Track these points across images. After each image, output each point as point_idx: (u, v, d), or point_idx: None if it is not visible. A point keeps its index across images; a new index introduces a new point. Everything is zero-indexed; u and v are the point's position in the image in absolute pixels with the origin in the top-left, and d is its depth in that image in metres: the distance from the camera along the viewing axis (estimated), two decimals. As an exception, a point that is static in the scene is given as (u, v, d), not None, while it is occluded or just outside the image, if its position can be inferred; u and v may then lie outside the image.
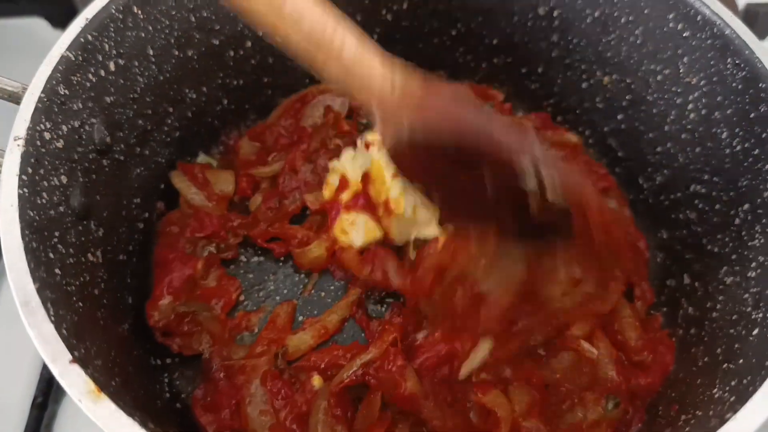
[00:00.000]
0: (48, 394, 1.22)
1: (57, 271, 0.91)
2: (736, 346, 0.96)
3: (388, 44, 1.43)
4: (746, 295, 1.00)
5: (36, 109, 0.95)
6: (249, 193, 1.34)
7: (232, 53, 1.32)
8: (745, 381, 0.84)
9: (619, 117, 1.34)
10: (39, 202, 0.93)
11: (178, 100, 1.27)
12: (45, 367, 1.23)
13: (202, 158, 1.37)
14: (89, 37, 1.04)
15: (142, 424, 0.76)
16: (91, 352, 0.87)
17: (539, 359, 1.10)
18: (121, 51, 1.11)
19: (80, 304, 0.94)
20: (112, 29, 1.08)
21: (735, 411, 0.77)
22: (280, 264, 1.29)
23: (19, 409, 1.20)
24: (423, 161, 0.90)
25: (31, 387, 1.23)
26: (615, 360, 1.09)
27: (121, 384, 0.89)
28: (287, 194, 1.31)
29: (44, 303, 0.82)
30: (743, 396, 0.79)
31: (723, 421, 0.77)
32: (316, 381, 1.09)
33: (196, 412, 1.10)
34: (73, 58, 1.02)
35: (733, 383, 0.87)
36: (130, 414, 0.76)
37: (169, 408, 1.10)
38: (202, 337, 1.16)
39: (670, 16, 1.16)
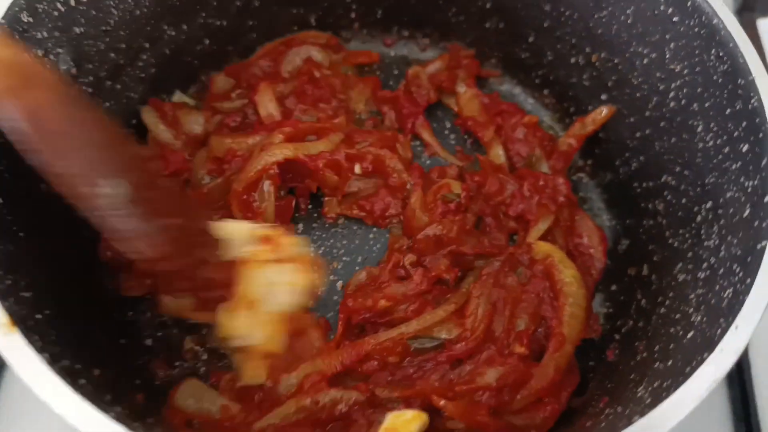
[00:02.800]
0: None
1: (-1, 199, 0.92)
2: (671, 346, 0.94)
3: (377, -2, 1.42)
4: (692, 296, 0.98)
5: (-6, 34, 0.95)
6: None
7: (215, -7, 1.30)
8: (665, 384, 0.83)
9: (603, 97, 1.30)
10: (-11, 129, 0.93)
11: (155, 37, 1.25)
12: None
13: (178, 96, 1.36)
14: (58, -35, 1.03)
15: (54, 360, 0.77)
16: (20, 284, 0.87)
17: None
18: (95, -18, 1.09)
19: (22, 233, 0.95)
20: (84, -42, 1.07)
21: (642, 414, 0.76)
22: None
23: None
24: None
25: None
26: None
27: (50, 317, 0.90)
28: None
29: (-28, 233, 0.83)
30: (655, 401, 0.78)
31: (629, 423, 0.76)
32: None
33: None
34: (40, -14, 1.01)
35: (655, 384, 0.86)
36: (42, 350, 0.77)
37: (112, 342, 1.12)
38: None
39: (662, -3, 1.11)
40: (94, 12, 1.11)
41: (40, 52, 1.02)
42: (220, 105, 1.33)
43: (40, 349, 0.77)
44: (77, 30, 1.09)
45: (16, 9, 0.97)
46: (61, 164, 0.80)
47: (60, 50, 1.06)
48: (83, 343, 0.98)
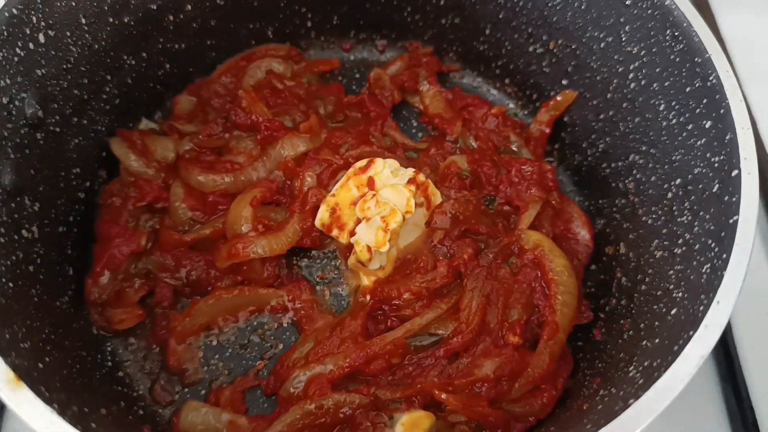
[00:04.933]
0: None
1: (-18, 256, 0.92)
2: (656, 323, 0.98)
3: (333, 3, 1.43)
4: (671, 272, 1.01)
5: (-43, 91, 0.95)
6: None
7: (171, 17, 1.29)
8: (654, 363, 0.86)
9: (564, 82, 1.34)
10: (-37, 188, 0.93)
11: (115, 68, 1.25)
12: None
13: (144, 124, 1.36)
14: (14, 11, 1.03)
15: (62, 409, 0.78)
16: (18, 336, 0.88)
17: None
18: (51, 22, 1.09)
19: (10, 284, 0.95)
20: (38, 1, 1.06)
21: (637, 397, 0.80)
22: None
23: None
24: None
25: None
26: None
27: (50, 364, 0.91)
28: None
29: (-36, 294, 0.83)
30: (647, 382, 0.81)
31: (626, 406, 0.79)
32: None
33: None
34: (-2, 34, 1.00)
35: (645, 363, 0.90)
36: (50, 401, 0.78)
37: (110, 378, 1.13)
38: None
39: (613, -18, 1.14)
40: (53, 52, 1.10)
41: (5, 100, 1.01)
42: (181, 125, 1.33)
43: (48, 400, 0.78)
44: (39, 72, 1.08)
45: (-24, 61, 0.97)
46: None
47: (24, 95, 1.05)
48: (85, 385, 0.99)
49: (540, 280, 1.16)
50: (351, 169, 1.24)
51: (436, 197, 1.24)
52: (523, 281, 1.16)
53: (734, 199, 0.92)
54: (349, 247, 1.24)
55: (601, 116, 1.27)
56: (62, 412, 0.77)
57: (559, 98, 1.35)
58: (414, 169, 1.25)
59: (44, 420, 0.76)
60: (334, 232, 1.23)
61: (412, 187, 1.20)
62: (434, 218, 1.21)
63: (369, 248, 1.18)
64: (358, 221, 1.21)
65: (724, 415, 1.25)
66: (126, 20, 1.22)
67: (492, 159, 1.29)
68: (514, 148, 1.35)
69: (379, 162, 1.23)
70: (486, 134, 1.36)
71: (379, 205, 1.18)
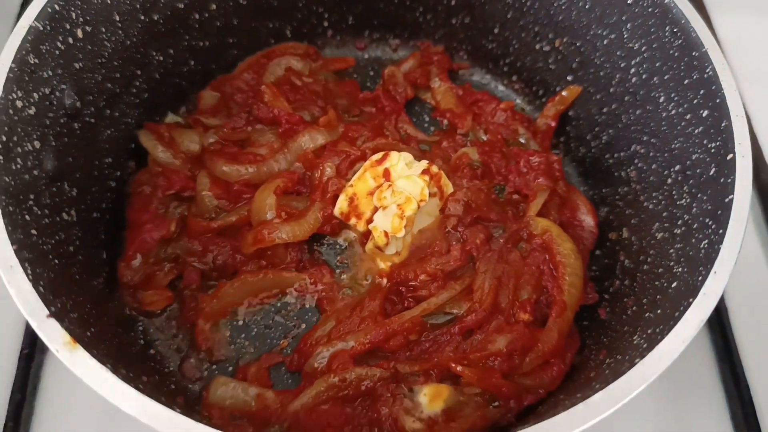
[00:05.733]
0: (34, 345, 1.28)
1: (33, 231, 0.99)
2: (658, 297, 1.04)
3: (349, 4, 1.50)
4: (671, 250, 1.08)
5: (7, 79, 1.01)
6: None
7: (197, 16, 1.37)
8: (657, 330, 0.93)
9: (569, 78, 1.41)
10: (14, 167, 1.00)
11: (145, 63, 1.32)
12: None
13: (170, 118, 1.43)
14: (56, 7, 1.10)
15: (114, 370, 0.84)
16: (67, 306, 0.94)
17: None
18: (88, 18, 1.16)
19: (56, 261, 1.02)
20: (78, -3, 1.13)
21: (643, 357, 0.86)
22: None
23: (7, 360, 1.28)
24: None
25: (17, 340, 1.30)
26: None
27: (95, 335, 0.97)
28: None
29: (22, 263, 0.89)
30: (652, 344, 0.88)
31: (632, 365, 0.86)
32: None
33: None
34: (42, 28, 1.07)
35: (649, 331, 0.96)
36: (102, 362, 0.84)
37: (143, 355, 1.19)
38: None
39: (615, -18, 1.22)
40: (90, 46, 1.17)
41: (47, 90, 1.08)
42: (205, 118, 1.41)
43: (102, 361, 0.84)
44: (77, 65, 1.15)
45: (23, 53, 1.04)
46: None
47: (64, 86, 1.12)
48: (126, 356, 1.06)
49: (548, 263, 1.23)
50: (368, 161, 1.31)
51: (448, 188, 1.31)
52: (532, 264, 1.23)
53: (729, 180, 0.99)
54: (367, 235, 1.31)
55: (604, 110, 1.34)
56: (114, 371, 0.84)
57: (564, 93, 1.42)
58: (427, 161, 1.32)
59: (99, 378, 0.82)
60: (352, 221, 1.30)
61: (426, 178, 1.27)
62: (448, 206, 1.28)
63: (386, 234, 1.25)
64: (375, 210, 1.28)
65: (722, 395, 1.32)
66: (155, 18, 1.29)
67: (501, 151, 1.36)
68: (522, 141, 1.43)
69: (394, 155, 1.30)
70: (495, 128, 1.44)
71: (395, 194, 1.25)
